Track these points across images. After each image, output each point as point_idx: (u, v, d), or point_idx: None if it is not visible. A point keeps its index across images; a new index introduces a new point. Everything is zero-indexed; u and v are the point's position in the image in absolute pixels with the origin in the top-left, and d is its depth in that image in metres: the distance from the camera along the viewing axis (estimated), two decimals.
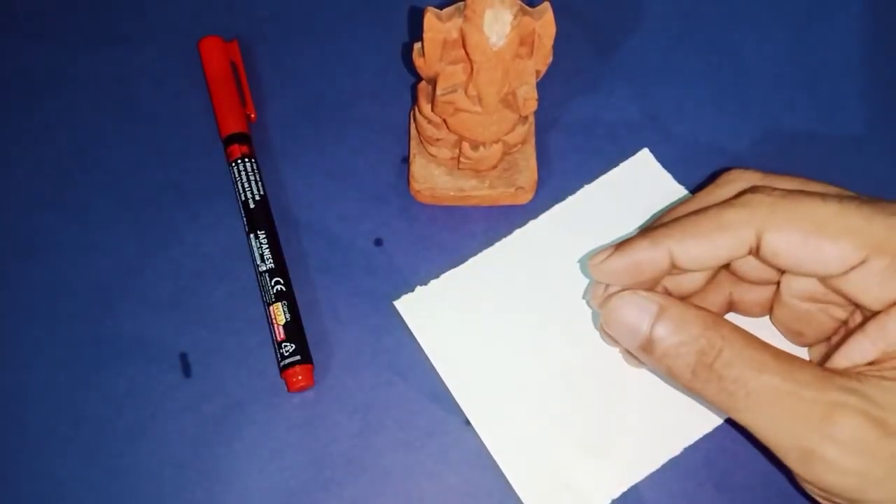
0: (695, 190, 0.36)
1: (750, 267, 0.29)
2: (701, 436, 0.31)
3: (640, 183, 0.36)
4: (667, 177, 0.36)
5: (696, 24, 0.40)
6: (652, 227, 0.28)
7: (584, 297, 0.34)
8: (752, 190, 0.27)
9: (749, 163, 0.36)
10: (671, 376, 0.26)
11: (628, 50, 0.39)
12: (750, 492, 0.31)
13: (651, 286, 0.29)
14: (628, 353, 0.30)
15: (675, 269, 0.28)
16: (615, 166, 0.36)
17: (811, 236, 0.25)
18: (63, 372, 0.33)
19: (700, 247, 0.27)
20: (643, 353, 0.27)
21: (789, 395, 0.24)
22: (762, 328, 0.29)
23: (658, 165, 0.36)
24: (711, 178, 0.36)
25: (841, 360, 0.26)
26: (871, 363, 0.26)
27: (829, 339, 0.30)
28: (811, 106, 0.38)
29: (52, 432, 0.32)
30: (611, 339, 0.30)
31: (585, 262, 0.33)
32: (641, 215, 0.35)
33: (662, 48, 0.39)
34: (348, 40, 0.39)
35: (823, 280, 0.27)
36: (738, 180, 0.29)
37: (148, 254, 0.35)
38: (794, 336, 0.31)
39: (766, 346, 0.25)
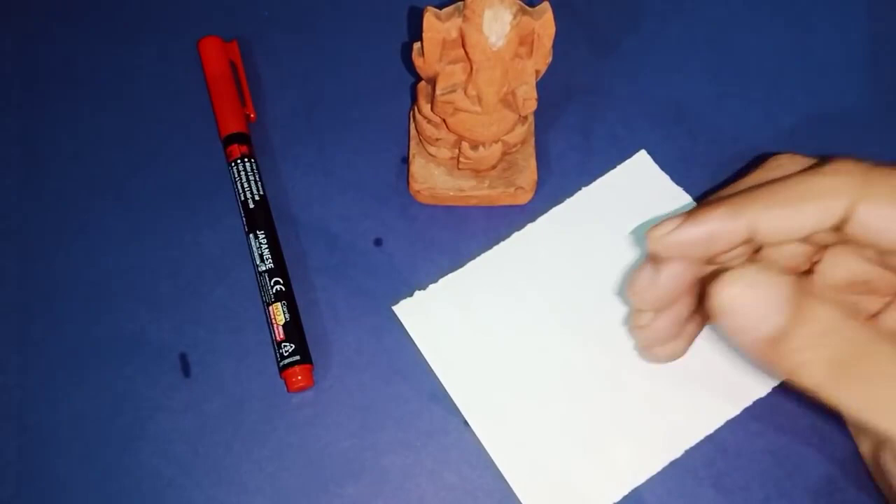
0: (695, 193, 0.36)
1: (783, 254, 0.27)
2: (702, 437, 0.31)
3: (638, 185, 0.36)
4: (664, 178, 0.36)
5: (695, 23, 0.40)
6: (722, 196, 0.25)
7: (625, 324, 0.33)
8: (835, 160, 0.25)
9: (748, 162, 0.36)
10: (792, 374, 0.22)
11: (628, 50, 0.39)
12: (749, 492, 0.31)
13: (702, 264, 0.26)
14: (652, 352, 0.29)
15: (745, 242, 0.25)
16: (614, 167, 0.36)
17: None
18: (62, 371, 0.33)
19: (785, 217, 0.24)
20: (766, 345, 0.23)
21: None
22: None
23: (656, 167, 0.36)
24: (707, 179, 0.36)
25: None
26: None
27: None
28: (812, 105, 0.38)
29: (51, 432, 0.32)
30: (654, 356, 0.29)
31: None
32: (639, 217, 0.35)
33: (662, 48, 0.39)
34: (348, 40, 0.39)
35: None
36: (790, 164, 0.27)
37: (147, 253, 0.35)
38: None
39: None
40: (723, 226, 0.25)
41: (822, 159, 0.25)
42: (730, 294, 0.22)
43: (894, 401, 0.21)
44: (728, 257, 0.26)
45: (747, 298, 0.22)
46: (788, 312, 0.22)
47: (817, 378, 0.22)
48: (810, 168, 0.25)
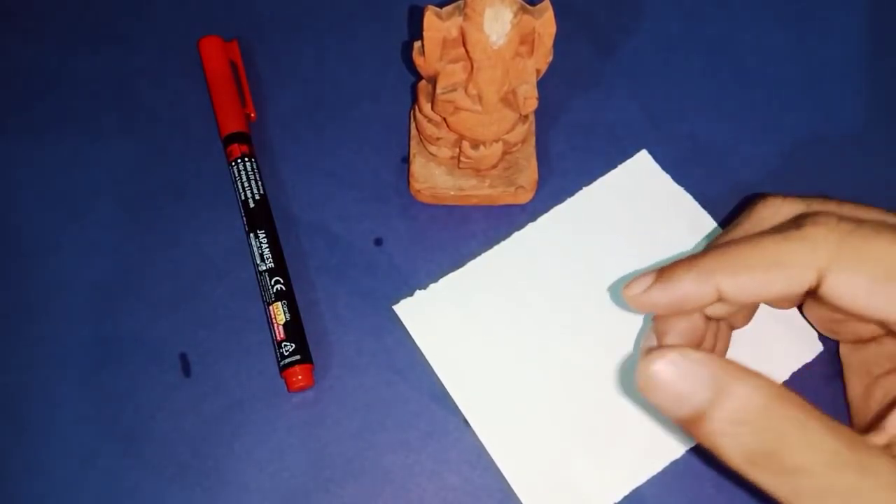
0: (696, 193, 0.36)
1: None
2: None
3: (639, 184, 0.36)
4: (665, 178, 0.36)
5: (696, 24, 0.40)
6: (695, 257, 0.26)
7: (637, 345, 0.33)
8: (814, 220, 0.24)
9: (748, 163, 0.36)
10: (717, 454, 0.22)
11: (629, 49, 0.39)
12: (749, 493, 0.31)
13: (690, 313, 0.27)
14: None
15: (718, 301, 0.25)
16: (615, 167, 0.36)
17: (882, 282, 0.23)
18: (63, 372, 0.33)
19: (753, 282, 0.24)
20: (686, 425, 0.23)
21: (862, 496, 0.21)
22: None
23: (656, 166, 0.36)
24: (708, 179, 0.36)
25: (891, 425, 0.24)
26: None
27: (863, 340, 0.28)
28: (811, 106, 0.38)
29: (52, 432, 0.32)
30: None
31: (617, 289, 0.32)
32: (640, 216, 0.35)
33: (663, 48, 0.39)
34: (348, 39, 0.39)
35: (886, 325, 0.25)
36: (778, 210, 0.27)
37: (147, 253, 0.35)
38: (826, 331, 0.30)
39: (838, 430, 0.21)
40: (693, 289, 0.25)
41: (801, 218, 0.25)
42: (653, 371, 0.22)
43: (811, 497, 0.21)
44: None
45: (668, 376, 0.22)
46: (708, 395, 0.22)
47: (735, 462, 0.22)
48: (786, 229, 0.25)
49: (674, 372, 0.22)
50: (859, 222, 0.24)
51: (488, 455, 0.31)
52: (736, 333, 0.31)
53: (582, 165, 0.36)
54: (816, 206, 0.26)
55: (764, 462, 0.21)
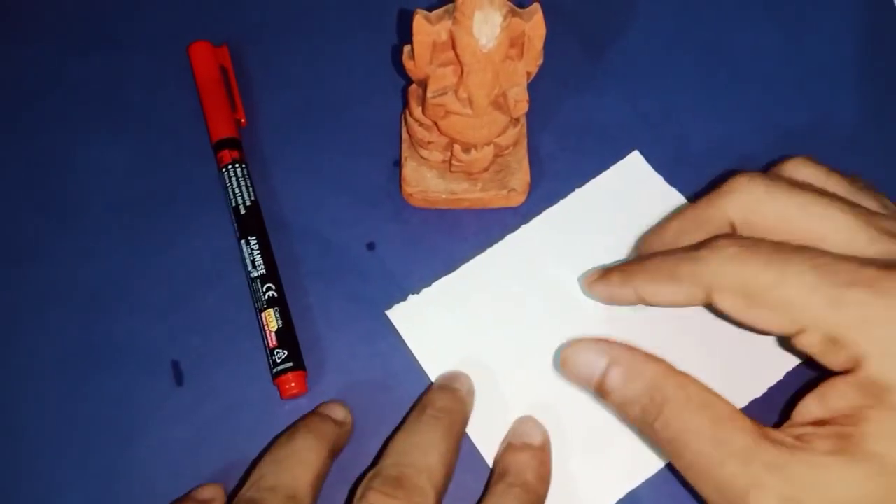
0: (688, 193, 0.36)
1: None
2: None
3: (631, 185, 0.36)
4: (657, 179, 0.36)
5: (688, 24, 0.40)
6: (627, 263, 0.31)
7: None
8: (713, 241, 0.28)
9: (740, 163, 0.36)
10: (622, 416, 0.28)
11: (620, 51, 0.39)
12: None
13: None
14: None
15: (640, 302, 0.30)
16: (607, 168, 0.36)
17: (751, 303, 0.26)
18: (54, 379, 0.33)
19: (661, 293, 0.29)
20: (600, 399, 0.29)
21: (717, 465, 0.25)
22: None
23: (648, 167, 0.36)
24: (700, 179, 0.36)
25: (797, 413, 0.26)
26: (819, 422, 0.26)
27: None
28: (805, 106, 0.38)
29: (44, 439, 0.32)
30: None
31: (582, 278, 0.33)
32: (632, 217, 0.35)
33: (654, 49, 0.39)
34: (338, 44, 0.39)
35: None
36: (740, 191, 0.29)
37: (138, 260, 0.35)
38: None
39: (708, 406, 0.26)
40: (617, 291, 0.30)
41: (706, 241, 0.28)
42: (562, 357, 0.30)
43: (679, 459, 0.26)
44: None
45: (572, 363, 0.29)
46: (604, 362, 0.28)
47: (636, 430, 0.28)
48: (692, 249, 0.28)
49: (577, 353, 0.29)
50: (754, 244, 0.27)
51: (483, 459, 0.31)
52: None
53: (574, 167, 0.36)
54: (775, 186, 0.29)
55: (648, 431, 0.27)
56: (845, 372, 0.25)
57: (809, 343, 0.26)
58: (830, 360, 0.26)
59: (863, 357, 0.25)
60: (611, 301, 0.32)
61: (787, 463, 0.24)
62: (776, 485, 0.24)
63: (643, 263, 0.30)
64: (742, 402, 0.31)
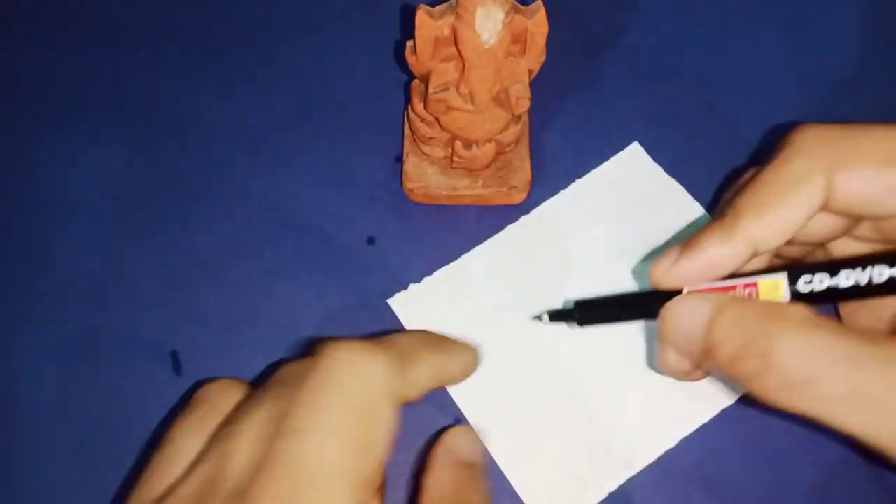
0: (687, 184, 0.36)
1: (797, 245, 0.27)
2: (696, 427, 0.31)
3: (631, 176, 0.36)
4: (657, 169, 0.36)
5: (689, 22, 0.40)
6: (711, 220, 0.25)
7: (650, 366, 0.33)
8: (802, 133, 0.24)
9: (740, 155, 0.36)
10: (742, 385, 0.23)
11: (622, 48, 0.39)
12: (739, 494, 0.31)
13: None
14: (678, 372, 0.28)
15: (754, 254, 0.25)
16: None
17: (886, 167, 0.23)
18: (54, 369, 0.33)
19: (777, 216, 0.24)
20: (708, 361, 0.24)
21: (868, 394, 0.21)
22: None
23: (648, 158, 0.36)
24: (704, 179, 0.36)
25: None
26: None
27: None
28: (806, 103, 0.38)
29: (43, 430, 0.32)
30: (668, 368, 0.27)
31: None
32: (633, 207, 0.35)
33: (656, 46, 0.39)
34: (341, 39, 0.39)
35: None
36: (808, 141, 0.25)
37: (139, 251, 0.35)
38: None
39: (836, 331, 0.22)
40: (720, 250, 0.24)
41: (784, 140, 0.25)
42: (662, 320, 0.25)
43: (825, 402, 0.22)
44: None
45: (674, 322, 0.25)
46: (710, 309, 0.24)
47: (753, 387, 0.23)
48: (777, 155, 0.25)
49: (678, 308, 0.25)
50: (843, 126, 0.24)
51: (485, 449, 0.31)
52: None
53: (576, 165, 0.36)
54: (844, 129, 0.25)
55: (773, 380, 0.22)
56: None
57: None
58: None
59: None
60: (706, 271, 0.25)
61: None
62: None
63: (736, 205, 0.25)
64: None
